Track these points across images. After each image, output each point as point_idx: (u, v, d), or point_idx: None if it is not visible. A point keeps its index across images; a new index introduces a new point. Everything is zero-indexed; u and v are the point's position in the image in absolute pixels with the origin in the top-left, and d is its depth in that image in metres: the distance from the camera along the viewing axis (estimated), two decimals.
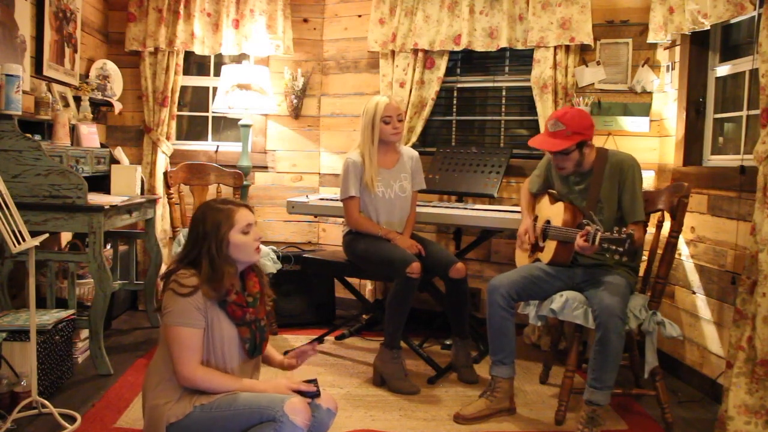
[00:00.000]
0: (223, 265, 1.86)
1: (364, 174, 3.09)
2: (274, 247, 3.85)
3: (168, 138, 4.25)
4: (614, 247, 2.32)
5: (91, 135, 3.61)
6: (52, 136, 3.27)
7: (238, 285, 1.94)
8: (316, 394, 1.90)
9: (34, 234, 2.45)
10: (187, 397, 1.83)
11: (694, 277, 3.14)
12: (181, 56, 4.22)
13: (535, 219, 2.93)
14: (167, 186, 3.76)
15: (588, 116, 2.67)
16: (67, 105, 3.64)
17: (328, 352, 3.50)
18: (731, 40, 3.20)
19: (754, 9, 2.64)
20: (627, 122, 3.62)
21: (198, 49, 4.21)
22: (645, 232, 2.75)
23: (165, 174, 3.78)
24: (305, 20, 4.38)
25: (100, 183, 3.51)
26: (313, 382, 1.92)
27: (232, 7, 4.20)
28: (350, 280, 3.57)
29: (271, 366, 2.13)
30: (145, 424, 1.89)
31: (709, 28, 3.02)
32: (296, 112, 4.37)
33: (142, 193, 3.66)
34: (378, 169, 3.12)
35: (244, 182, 3.99)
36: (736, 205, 2.82)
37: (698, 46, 3.28)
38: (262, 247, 3.65)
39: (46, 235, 2.51)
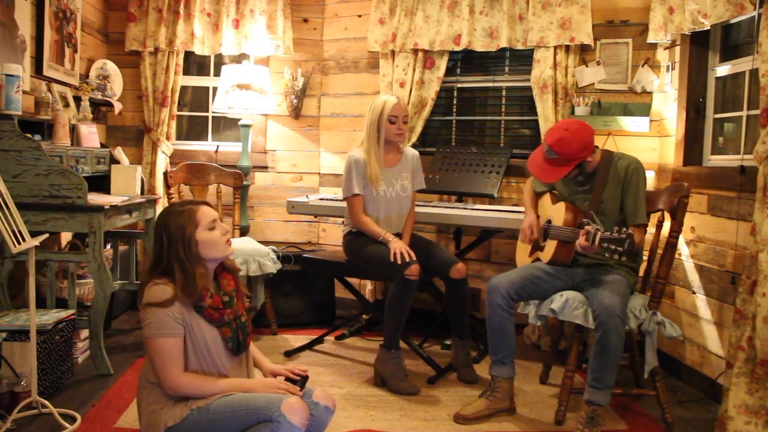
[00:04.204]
0: (194, 268, 1.86)
1: (367, 172, 3.09)
2: (274, 247, 3.84)
3: (168, 138, 4.25)
4: (614, 247, 2.33)
5: (91, 135, 3.61)
6: (52, 136, 3.27)
7: (212, 287, 1.93)
8: (303, 380, 1.92)
9: (34, 234, 2.46)
10: (183, 400, 1.83)
11: (694, 277, 3.14)
12: (181, 56, 4.23)
13: (537, 218, 2.93)
14: (167, 186, 3.76)
15: (583, 133, 2.56)
16: (67, 105, 3.64)
17: (328, 352, 3.50)
18: (731, 40, 3.20)
19: (754, 9, 2.64)
20: (627, 122, 3.61)
21: (198, 49, 4.22)
22: (645, 233, 2.76)
23: (165, 174, 3.77)
24: (305, 20, 4.38)
25: (100, 183, 3.50)
26: (303, 378, 1.94)
27: (232, 7, 4.20)
28: (350, 280, 3.57)
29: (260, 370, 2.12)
30: (143, 429, 1.89)
31: (709, 28, 3.02)
32: (296, 112, 4.37)
33: (142, 193, 3.65)
34: (382, 168, 3.12)
35: (244, 182, 3.99)
36: (736, 205, 2.82)
37: (698, 46, 3.28)
38: (261, 247, 3.69)
39: (46, 235, 2.51)
